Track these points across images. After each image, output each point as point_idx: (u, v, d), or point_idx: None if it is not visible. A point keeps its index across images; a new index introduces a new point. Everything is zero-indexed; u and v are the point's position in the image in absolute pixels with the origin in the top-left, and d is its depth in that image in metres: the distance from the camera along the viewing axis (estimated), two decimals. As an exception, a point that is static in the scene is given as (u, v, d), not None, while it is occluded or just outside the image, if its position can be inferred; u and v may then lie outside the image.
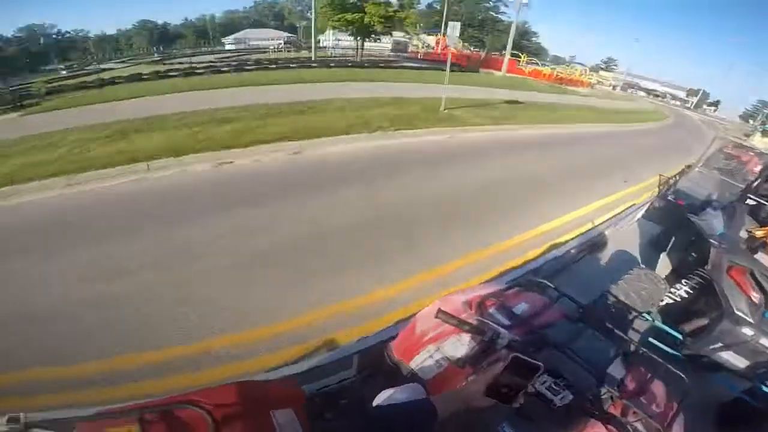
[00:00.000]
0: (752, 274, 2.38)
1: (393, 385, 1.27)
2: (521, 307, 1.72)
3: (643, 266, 3.26)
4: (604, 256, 4.23)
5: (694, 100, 49.09)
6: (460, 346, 1.45)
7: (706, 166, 6.59)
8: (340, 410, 1.60)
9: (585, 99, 21.12)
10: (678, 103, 47.24)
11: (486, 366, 1.27)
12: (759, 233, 2.83)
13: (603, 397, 1.38)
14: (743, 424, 2.68)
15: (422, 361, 1.51)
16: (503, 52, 30.14)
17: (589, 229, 4.64)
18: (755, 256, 2.69)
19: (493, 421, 1.04)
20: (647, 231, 4.62)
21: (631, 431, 1.21)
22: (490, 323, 1.42)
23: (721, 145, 7.32)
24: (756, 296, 2.35)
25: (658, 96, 48.96)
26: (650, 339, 3.19)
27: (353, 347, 2.30)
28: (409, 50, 34.23)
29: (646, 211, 5.04)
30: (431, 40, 35.19)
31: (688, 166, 6.44)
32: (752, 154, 7.12)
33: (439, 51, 30.10)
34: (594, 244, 4.33)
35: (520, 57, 31.02)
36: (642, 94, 48.30)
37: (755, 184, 3.41)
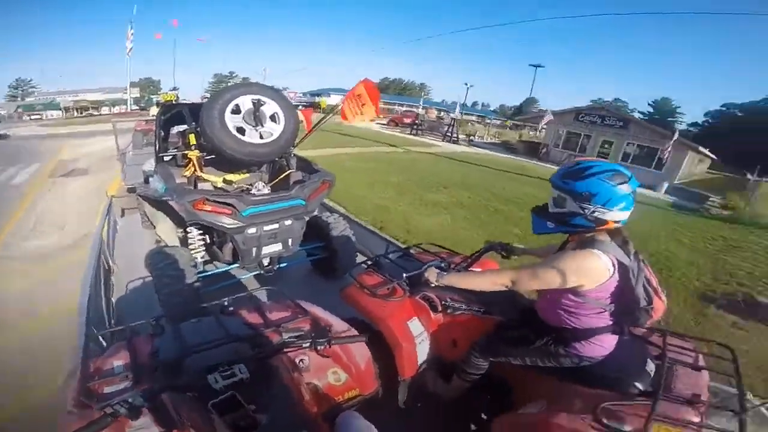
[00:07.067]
0: (207, 200, 2.89)
1: None
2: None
3: (164, 245, 3.54)
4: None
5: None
6: None
7: (136, 147, 7.46)
8: None
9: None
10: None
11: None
12: (185, 173, 3.52)
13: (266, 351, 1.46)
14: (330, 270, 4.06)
15: None
16: None
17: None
18: (196, 187, 3.40)
19: None
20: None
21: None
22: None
23: (136, 126, 8.19)
24: (223, 210, 2.97)
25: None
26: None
27: None
28: None
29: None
30: None
31: (123, 154, 7.14)
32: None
33: None
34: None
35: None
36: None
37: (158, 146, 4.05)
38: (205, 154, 3.56)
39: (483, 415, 2.02)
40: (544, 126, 22.23)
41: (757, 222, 10.41)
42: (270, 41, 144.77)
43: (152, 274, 3.17)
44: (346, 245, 3.92)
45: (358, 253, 4.20)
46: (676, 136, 16.81)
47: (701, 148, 19.05)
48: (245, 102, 3.18)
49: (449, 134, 25.38)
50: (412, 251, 2.64)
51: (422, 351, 2.06)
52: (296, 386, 1.33)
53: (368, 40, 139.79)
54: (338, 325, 1.74)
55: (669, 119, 44.11)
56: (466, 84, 29.05)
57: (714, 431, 1.35)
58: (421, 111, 30.52)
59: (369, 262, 2.47)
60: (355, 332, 1.64)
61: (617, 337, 1.60)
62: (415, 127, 27.79)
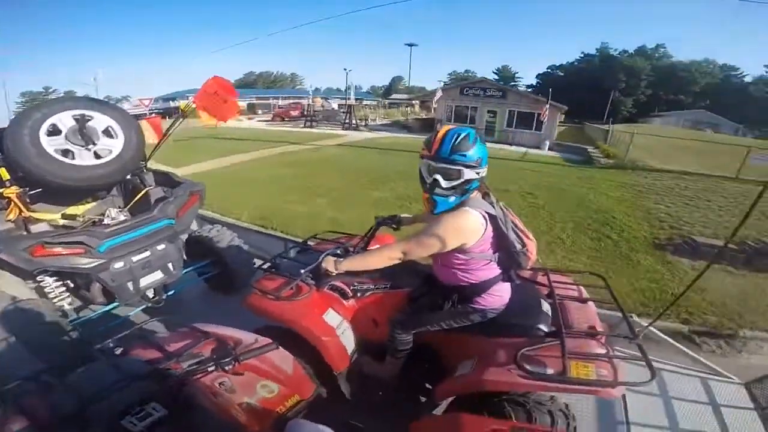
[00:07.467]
0: (47, 243, 2.58)
1: None
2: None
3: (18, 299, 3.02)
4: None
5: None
6: None
7: None
8: None
9: None
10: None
11: None
12: (8, 217, 3.02)
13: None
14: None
15: None
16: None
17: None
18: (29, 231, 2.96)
19: None
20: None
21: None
22: None
23: None
24: (73, 250, 2.65)
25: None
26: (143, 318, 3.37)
27: None
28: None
29: None
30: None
31: None
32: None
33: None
34: None
35: None
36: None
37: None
38: (28, 188, 3.04)
39: (427, 385, 2.09)
40: (436, 102, 23.10)
41: (637, 166, 12.26)
42: (99, 44, 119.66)
43: (12, 335, 2.83)
44: (238, 255, 3.76)
45: (256, 259, 4.07)
46: (549, 99, 19.13)
47: (566, 108, 22.09)
48: (64, 119, 2.81)
49: (348, 122, 24.70)
50: (310, 243, 2.61)
51: (348, 340, 2.06)
52: (226, 410, 1.31)
53: (220, 37, 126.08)
54: (246, 338, 1.70)
55: (511, 83, 50.93)
56: (345, 69, 28.18)
57: (622, 360, 1.51)
58: (309, 101, 28.92)
59: (266, 266, 2.39)
60: (267, 341, 1.60)
61: (509, 284, 1.77)
62: (309, 119, 26.46)
